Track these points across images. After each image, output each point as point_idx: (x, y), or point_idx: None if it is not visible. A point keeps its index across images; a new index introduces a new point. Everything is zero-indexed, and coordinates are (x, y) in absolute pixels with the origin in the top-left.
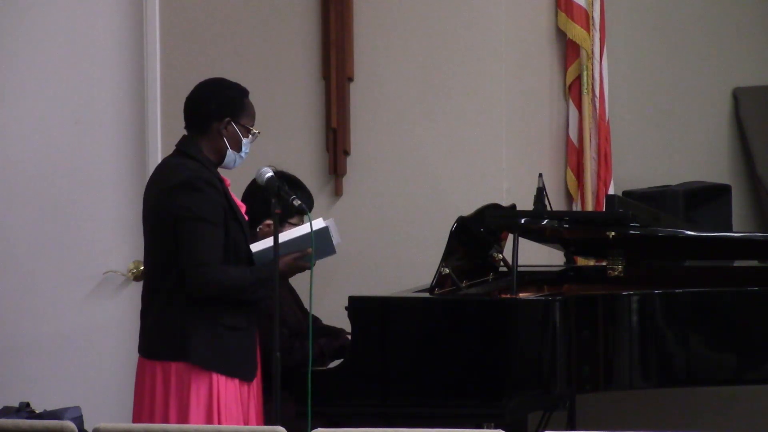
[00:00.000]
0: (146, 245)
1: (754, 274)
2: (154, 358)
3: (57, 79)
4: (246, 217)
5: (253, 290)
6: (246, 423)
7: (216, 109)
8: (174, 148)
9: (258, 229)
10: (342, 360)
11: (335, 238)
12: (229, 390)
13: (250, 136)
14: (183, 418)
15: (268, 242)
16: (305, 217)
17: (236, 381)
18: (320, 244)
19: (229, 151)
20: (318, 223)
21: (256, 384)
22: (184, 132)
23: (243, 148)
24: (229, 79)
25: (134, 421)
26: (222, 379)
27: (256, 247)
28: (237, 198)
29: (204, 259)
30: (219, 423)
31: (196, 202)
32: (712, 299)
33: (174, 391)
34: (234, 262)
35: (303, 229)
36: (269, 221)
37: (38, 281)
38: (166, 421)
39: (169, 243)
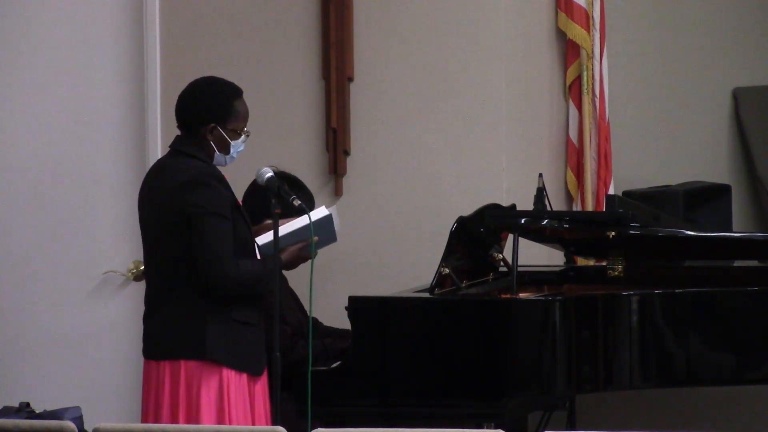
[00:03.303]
0: (150, 246)
1: (754, 274)
2: (162, 358)
3: (57, 79)
4: None
5: (266, 282)
6: (252, 419)
7: (201, 114)
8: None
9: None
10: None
11: (336, 225)
12: (238, 385)
13: (240, 138)
14: (194, 417)
15: (270, 236)
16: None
17: (245, 376)
18: (323, 232)
19: (217, 153)
20: (322, 211)
21: (263, 380)
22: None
23: (232, 150)
24: (221, 79)
25: None
26: (232, 374)
27: (260, 240)
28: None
29: (221, 254)
30: (230, 418)
31: (208, 198)
32: (712, 299)
33: (183, 391)
34: (242, 255)
35: (305, 220)
36: (269, 221)
37: (38, 281)
38: (174, 422)
39: (179, 241)
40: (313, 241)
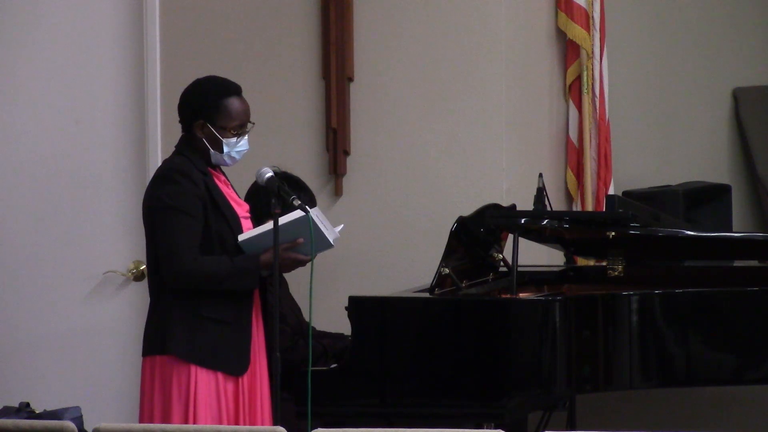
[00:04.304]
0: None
1: (754, 274)
2: (144, 354)
3: (57, 79)
4: (248, 215)
5: (233, 281)
6: (230, 420)
7: (191, 111)
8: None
9: None
10: (342, 360)
11: (330, 232)
12: (208, 383)
13: (234, 137)
14: (167, 412)
15: (255, 231)
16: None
17: (218, 375)
18: (305, 234)
19: (214, 152)
20: (296, 213)
21: (251, 378)
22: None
23: (226, 148)
24: (218, 78)
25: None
26: (201, 372)
27: (243, 237)
28: (239, 195)
29: (176, 248)
30: (195, 416)
31: (169, 193)
32: (712, 299)
33: (158, 386)
34: (220, 253)
35: (283, 220)
36: (271, 221)
37: (38, 281)
38: (151, 417)
39: (149, 236)
40: (301, 242)
